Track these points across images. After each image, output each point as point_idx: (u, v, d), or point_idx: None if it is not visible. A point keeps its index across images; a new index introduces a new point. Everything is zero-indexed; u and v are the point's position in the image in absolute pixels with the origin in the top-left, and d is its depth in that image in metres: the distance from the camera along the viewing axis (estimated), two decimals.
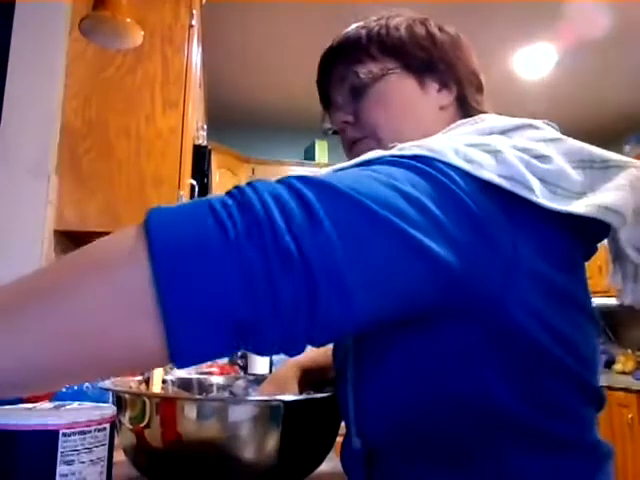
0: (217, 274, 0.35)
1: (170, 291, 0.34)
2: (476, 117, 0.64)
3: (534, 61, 3.15)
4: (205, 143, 2.29)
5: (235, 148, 3.63)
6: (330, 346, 0.88)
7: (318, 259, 0.37)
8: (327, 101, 0.77)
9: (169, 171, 1.65)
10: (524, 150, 0.52)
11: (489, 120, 0.61)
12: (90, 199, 1.59)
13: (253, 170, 3.71)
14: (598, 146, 0.58)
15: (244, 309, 0.36)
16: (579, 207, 0.50)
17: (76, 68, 1.65)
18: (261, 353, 0.40)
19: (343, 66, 0.72)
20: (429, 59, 0.71)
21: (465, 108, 0.72)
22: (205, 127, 2.60)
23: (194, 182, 1.88)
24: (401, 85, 0.70)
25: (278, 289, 0.36)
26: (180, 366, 0.37)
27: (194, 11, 1.80)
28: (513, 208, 0.49)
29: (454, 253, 0.44)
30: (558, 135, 0.58)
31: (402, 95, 0.70)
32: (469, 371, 0.51)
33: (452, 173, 0.48)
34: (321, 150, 3.95)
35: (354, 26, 0.75)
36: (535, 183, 0.50)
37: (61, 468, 0.43)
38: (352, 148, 0.72)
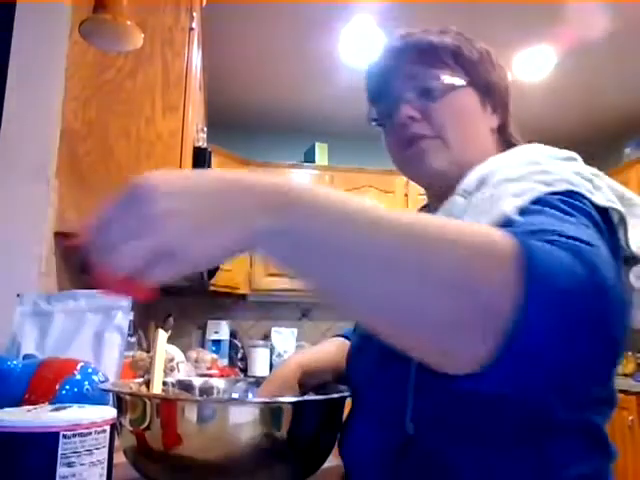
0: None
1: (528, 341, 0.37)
2: (529, 145, 0.71)
3: (533, 63, 3.16)
4: (205, 145, 2.29)
5: (235, 150, 3.64)
6: (331, 348, 0.88)
7: None
8: (381, 92, 0.79)
9: None
10: (590, 180, 0.60)
11: (545, 147, 0.68)
12: (90, 201, 1.59)
13: None
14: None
15: None
16: (633, 246, 0.58)
17: (76, 71, 1.65)
18: None
19: (419, 66, 0.75)
20: (491, 83, 0.77)
21: (503, 134, 0.79)
22: (205, 130, 2.60)
23: None
24: (471, 99, 0.76)
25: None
26: (479, 380, 0.40)
27: (194, 14, 1.80)
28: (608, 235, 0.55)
29: None
30: (597, 170, 0.65)
31: (471, 109, 0.76)
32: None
33: (593, 210, 0.54)
34: (321, 153, 3.94)
35: (421, 31, 0.78)
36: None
37: (61, 470, 0.43)
38: (412, 143, 0.74)
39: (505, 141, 0.79)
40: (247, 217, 0.41)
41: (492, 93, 0.77)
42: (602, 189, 0.59)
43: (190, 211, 0.40)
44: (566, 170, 0.59)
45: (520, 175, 0.59)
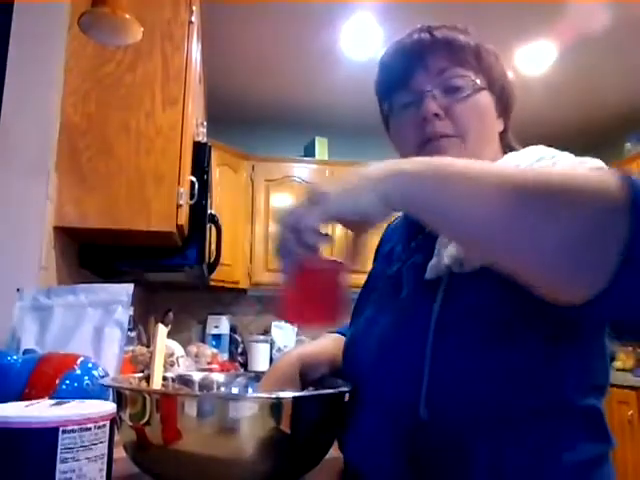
0: None
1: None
2: (534, 146, 0.72)
3: (533, 58, 3.15)
4: (205, 140, 2.29)
5: (235, 145, 3.63)
6: (328, 342, 0.89)
7: None
8: (401, 83, 0.76)
9: (169, 168, 1.65)
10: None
11: (548, 147, 0.70)
12: (90, 195, 1.59)
13: (253, 167, 3.71)
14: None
15: None
16: None
17: (75, 64, 1.64)
18: None
19: (446, 62, 0.74)
20: (503, 88, 0.78)
21: (504, 138, 0.80)
22: (205, 124, 2.59)
23: (194, 179, 1.88)
24: (490, 102, 0.76)
25: None
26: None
27: (194, 7, 1.79)
28: None
29: None
30: None
31: (490, 112, 0.77)
32: (552, 370, 0.60)
33: None
34: (321, 147, 3.94)
35: (445, 27, 0.76)
36: None
37: (61, 465, 0.43)
38: (432, 140, 0.73)
39: (506, 145, 0.80)
40: (379, 174, 0.55)
41: (503, 98, 0.78)
42: None
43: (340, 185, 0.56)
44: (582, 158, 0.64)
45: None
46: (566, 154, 0.68)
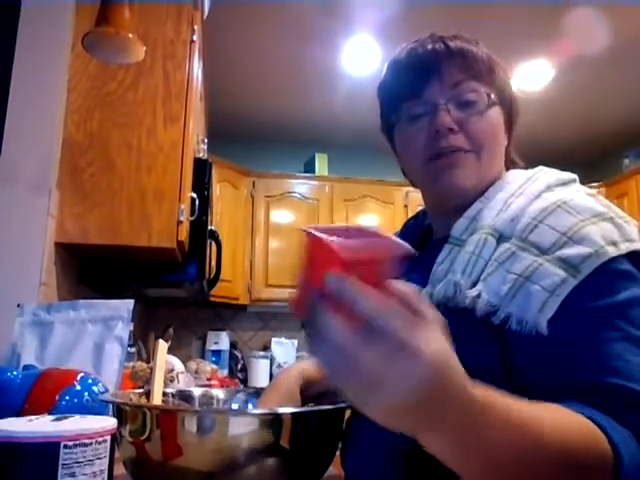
0: None
1: None
2: (539, 169, 0.73)
3: (531, 77, 3.17)
4: (206, 156, 2.30)
5: (236, 161, 3.65)
6: None
7: None
8: (412, 93, 0.74)
9: (170, 185, 1.66)
10: (610, 218, 0.63)
11: (550, 173, 0.71)
12: (91, 212, 1.60)
13: (254, 183, 3.72)
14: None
15: None
16: None
17: (78, 83, 1.66)
18: None
19: (461, 75, 0.72)
20: (512, 101, 0.78)
21: (507, 151, 0.79)
22: (206, 141, 2.61)
23: (195, 195, 1.89)
24: (501, 118, 0.76)
25: None
26: None
27: (195, 27, 1.82)
28: None
29: None
30: (593, 191, 0.68)
31: (502, 128, 0.76)
32: None
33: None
34: (321, 163, 3.96)
35: (459, 38, 0.75)
36: None
37: None
38: (445, 155, 0.71)
39: (508, 159, 0.80)
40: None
41: (511, 112, 0.78)
42: (622, 226, 0.62)
43: None
44: (599, 227, 0.60)
45: (564, 231, 0.60)
46: (574, 189, 0.68)
